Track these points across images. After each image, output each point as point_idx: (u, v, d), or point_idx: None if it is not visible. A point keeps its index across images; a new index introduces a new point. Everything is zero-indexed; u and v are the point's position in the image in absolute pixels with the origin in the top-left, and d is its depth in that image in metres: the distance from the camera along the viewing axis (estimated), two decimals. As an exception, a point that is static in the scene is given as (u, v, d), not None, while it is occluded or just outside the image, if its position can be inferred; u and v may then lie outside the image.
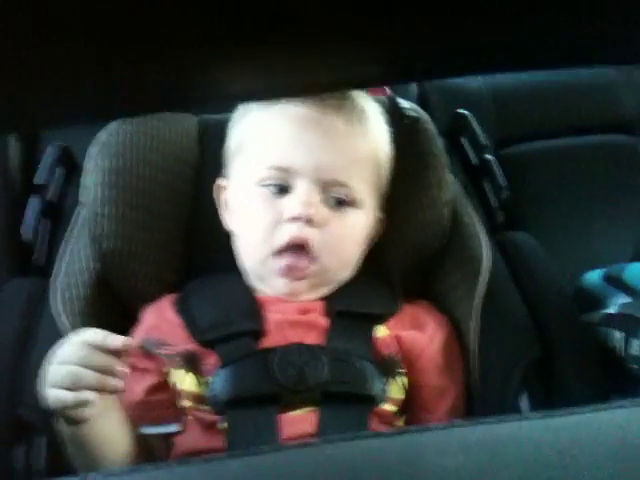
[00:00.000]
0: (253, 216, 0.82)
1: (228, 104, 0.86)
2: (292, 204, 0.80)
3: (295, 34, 0.29)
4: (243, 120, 0.86)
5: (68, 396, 0.68)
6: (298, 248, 0.80)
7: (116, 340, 0.70)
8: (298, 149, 0.81)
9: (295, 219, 0.79)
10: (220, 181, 0.90)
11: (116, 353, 0.70)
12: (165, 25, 0.28)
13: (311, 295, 0.83)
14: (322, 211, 0.80)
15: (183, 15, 0.27)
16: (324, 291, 0.84)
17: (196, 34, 0.28)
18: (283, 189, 0.81)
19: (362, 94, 0.88)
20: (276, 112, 0.82)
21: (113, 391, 0.70)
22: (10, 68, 0.29)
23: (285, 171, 0.81)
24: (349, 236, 0.84)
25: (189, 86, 0.31)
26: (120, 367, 0.69)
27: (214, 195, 0.90)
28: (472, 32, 0.30)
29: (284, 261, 0.81)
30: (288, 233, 0.80)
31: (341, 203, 0.82)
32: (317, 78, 0.32)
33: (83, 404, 0.68)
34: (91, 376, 0.68)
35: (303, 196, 0.80)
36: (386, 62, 0.32)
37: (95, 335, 0.70)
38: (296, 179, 0.80)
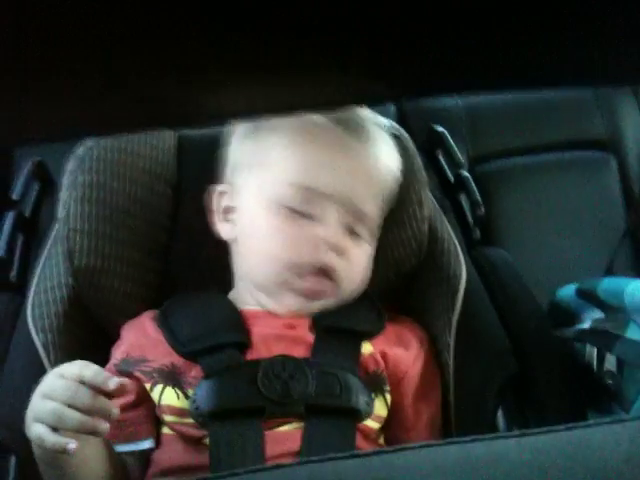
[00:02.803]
0: (278, 236, 0.81)
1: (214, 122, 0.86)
2: (324, 230, 0.80)
3: (294, 51, 0.29)
4: (266, 135, 0.84)
5: (48, 438, 0.65)
6: (322, 273, 0.81)
7: (111, 381, 0.66)
8: (334, 175, 0.81)
9: (325, 246, 0.80)
10: (220, 187, 0.88)
11: (107, 393, 0.66)
12: (154, 45, 0.27)
13: (308, 313, 0.84)
14: (346, 241, 0.82)
15: (172, 30, 0.27)
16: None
17: (182, 50, 0.28)
18: (311, 211, 0.81)
19: (382, 123, 0.89)
20: (310, 135, 0.82)
21: (98, 434, 0.67)
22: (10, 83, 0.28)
23: (317, 194, 0.80)
24: (363, 266, 0.85)
25: (176, 104, 0.31)
26: (111, 409, 0.66)
27: (206, 201, 0.88)
28: (473, 49, 0.31)
29: (308, 283, 0.81)
30: (316, 259, 0.80)
31: (359, 233, 0.83)
32: (317, 96, 0.32)
33: (61, 449, 0.65)
34: (76, 418, 0.65)
35: (334, 224, 0.80)
36: (389, 80, 0.32)
37: (87, 372, 0.66)
38: (327, 204, 0.81)
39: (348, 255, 0.82)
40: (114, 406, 0.66)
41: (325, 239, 0.80)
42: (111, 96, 0.30)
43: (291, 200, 0.81)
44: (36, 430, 0.66)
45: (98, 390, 0.66)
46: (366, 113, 0.87)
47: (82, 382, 0.66)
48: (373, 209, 0.85)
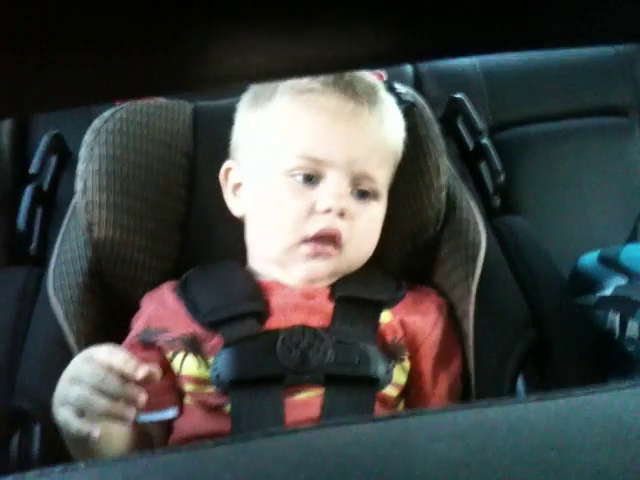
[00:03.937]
0: (281, 205, 0.82)
1: (225, 89, 0.85)
2: (325, 196, 0.80)
3: (299, 11, 0.28)
4: (264, 106, 0.84)
5: (74, 423, 0.66)
6: (327, 239, 0.80)
7: (140, 370, 0.66)
8: (332, 141, 0.81)
9: (328, 211, 0.80)
10: (228, 164, 0.89)
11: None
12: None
13: (323, 283, 0.84)
14: (351, 204, 0.81)
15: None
16: (334, 280, 0.84)
17: (194, 6, 0.28)
18: (312, 179, 0.81)
19: (379, 82, 0.88)
20: (304, 102, 0.82)
21: (124, 420, 0.67)
22: (5, 53, 0.28)
23: (317, 161, 0.80)
24: (372, 228, 0.85)
25: (188, 66, 0.31)
26: (138, 396, 0.66)
27: (220, 178, 0.89)
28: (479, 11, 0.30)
29: (313, 247, 0.81)
30: (320, 224, 0.80)
31: (365, 195, 0.83)
32: (320, 56, 0.32)
33: (86, 435, 0.65)
34: (103, 404, 0.65)
35: (336, 188, 0.80)
36: (394, 41, 0.32)
37: (116, 359, 0.66)
38: (327, 170, 0.80)
39: (355, 219, 0.82)
40: (142, 392, 0.66)
41: (329, 206, 0.79)
42: (126, 57, 0.30)
43: (294, 170, 0.81)
44: (62, 414, 0.67)
45: (126, 377, 0.66)
46: (366, 76, 0.86)
47: (111, 368, 0.66)
48: (379, 171, 0.84)
